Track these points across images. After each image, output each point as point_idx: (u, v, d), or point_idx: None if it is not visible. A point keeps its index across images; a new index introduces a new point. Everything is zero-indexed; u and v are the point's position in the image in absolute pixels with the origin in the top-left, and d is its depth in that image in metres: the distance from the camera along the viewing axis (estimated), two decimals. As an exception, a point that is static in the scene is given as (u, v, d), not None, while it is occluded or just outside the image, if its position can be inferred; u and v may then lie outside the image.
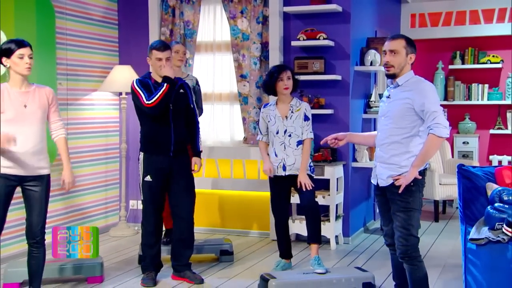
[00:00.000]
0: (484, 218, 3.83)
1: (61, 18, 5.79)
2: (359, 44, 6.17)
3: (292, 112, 4.80)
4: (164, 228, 5.23)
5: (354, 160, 6.10)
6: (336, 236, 5.81)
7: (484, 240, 3.70)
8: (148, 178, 4.54)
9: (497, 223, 3.70)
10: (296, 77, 4.89)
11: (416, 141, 3.54)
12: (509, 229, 3.63)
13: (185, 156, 4.65)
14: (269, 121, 4.85)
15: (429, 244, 5.89)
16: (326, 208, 5.71)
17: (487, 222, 3.79)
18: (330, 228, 5.65)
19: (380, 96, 6.19)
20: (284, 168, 4.78)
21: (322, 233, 5.23)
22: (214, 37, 6.39)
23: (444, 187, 7.02)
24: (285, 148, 4.78)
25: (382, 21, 7.16)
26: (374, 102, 6.28)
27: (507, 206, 3.74)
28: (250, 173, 6.21)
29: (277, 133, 4.81)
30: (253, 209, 6.24)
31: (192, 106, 4.71)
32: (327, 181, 5.68)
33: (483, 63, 7.88)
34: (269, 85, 4.81)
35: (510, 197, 3.79)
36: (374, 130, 6.20)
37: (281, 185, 4.86)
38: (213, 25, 6.39)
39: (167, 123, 4.51)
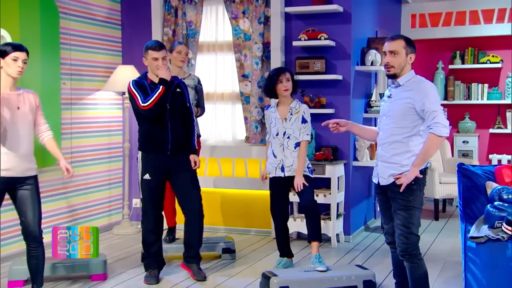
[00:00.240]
0: (484, 216, 3.85)
1: (65, 18, 5.82)
2: (360, 44, 6.21)
3: (291, 114, 4.84)
4: (166, 226, 5.24)
5: (355, 159, 6.13)
6: (337, 234, 5.84)
7: (484, 238, 3.72)
8: (147, 176, 4.56)
9: (496, 222, 3.73)
10: (296, 78, 4.94)
11: (417, 141, 3.55)
12: (509, 227, 3.66)
13: (184, 153, 4.67)
14: (270, 123, 4.90)
15: (429, 242, 5.92)
16: (327, 207, 5.75)
17: (487, 220, 3.81)
18: (331, 227, 5.69)
19: (381, 95, 6.23)
20: (283, 169, 4.82)
21: (323, 232, 5.27)
22: (216, 37, 6.43)
23: (444, 185, 7.05)
24: (283, 149, 4.82)
25: (383, 22, 7.20)
26: (375, 101, 6.32)
27: (506, 205, 3.77)
28: (252, 172, 6.24)
29: (277, 134, 4.85)
30: (254, 207, 6.27)
31: (188, 105, 4.72)
32: (328, 179, 5.72)
33: (483, 63, 7.91)
34: (269, 88, 4.86)
35: (510, 196, 3.82)
36: (375, 129, 6.23)
37: (280, 186, 4.90)
38: (215, 25, 6.42)
39: (164, 122, 4.53)
